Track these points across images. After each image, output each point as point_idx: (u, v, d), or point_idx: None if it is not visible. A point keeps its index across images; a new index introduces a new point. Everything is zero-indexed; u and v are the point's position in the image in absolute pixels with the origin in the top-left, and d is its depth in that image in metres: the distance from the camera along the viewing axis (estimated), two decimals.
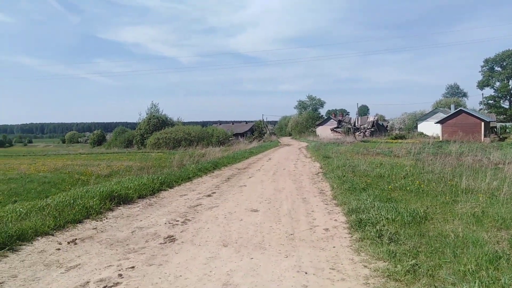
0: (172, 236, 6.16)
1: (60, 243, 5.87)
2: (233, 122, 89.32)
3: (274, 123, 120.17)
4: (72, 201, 7.81)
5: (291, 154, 27.38)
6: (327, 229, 6.38)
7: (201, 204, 8.77)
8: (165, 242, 5.82)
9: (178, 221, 7.21)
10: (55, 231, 6.43)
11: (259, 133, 62.85)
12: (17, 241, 5.68)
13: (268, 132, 73.35)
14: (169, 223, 7.03)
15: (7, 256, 5.22)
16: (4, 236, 5.54)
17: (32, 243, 5.82)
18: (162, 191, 10.66)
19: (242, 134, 69.88)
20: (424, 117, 62.36)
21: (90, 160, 35.11)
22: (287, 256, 5.09)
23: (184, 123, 64.90)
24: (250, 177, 13.70)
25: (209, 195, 9.98)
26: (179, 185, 11.94)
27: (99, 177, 21.84)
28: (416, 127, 63.11)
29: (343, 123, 60.36)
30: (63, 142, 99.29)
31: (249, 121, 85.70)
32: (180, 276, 4.39)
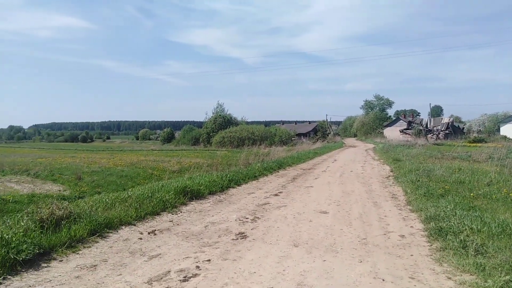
0: (243, 233, 6.30)
1: (141, 233, 6.31)
2: (296, 122, 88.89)
3: (338, 123, 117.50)
4: (150, 194, 8.35)
5: (357, 155, 26.52)
6: (403, 235, 6.07)
7: (269, 203, 8.86)
8: (237, 239, 5.96)
9: (247, 218, 7.35)
10: (136, 221, 6.92)
11: (322, 134, 61.77)
12: (105, 229, 6.21)
13: (332, 132, 71.88)
14: (239, 220, 7.20)
15: (98, 242, 5.74)
16: (95, 223, 6.09)
17: (117, 231, 6.33)
18: (231, 188, 10.96)
19: (305, 134, 69.28)
20: (508, 119, 56.56)
21: (161, 156, 37.32)
22: (361, 261, 4.93)
23: (247, 123, 66.22)
24: (316, 178, 13.53)
25: (276, 195, 10.04)
26: (246, 183, 12.18)
27: (170, 173, 23.12)
28: (498, 129, 57.47)
29: (413, 125, 57.01)
30: (137, 138, 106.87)
31: (312, 121, 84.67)
32: (254, 272, 4.47)
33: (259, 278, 4.29)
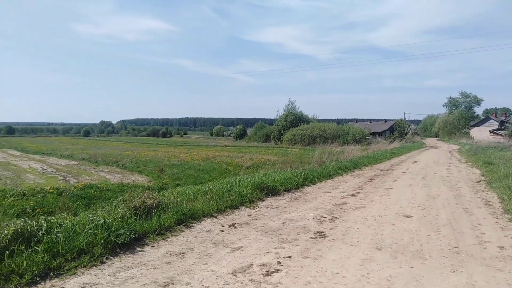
0: (322, 232, 6.21)
1: (222, 226, 6.56)
2: (370, 121, 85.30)
3: (417, 122, 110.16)
4: (229, 189, 8.64)
5: (440, 157, 24.59)
6: (503, 247, 5.47)
7: (346, 203, 8.62)
8: (316, 237, 5.89)
9: (325, 217, 7.23)
10: (217, 214, 7.21)
11: (400, 133, 58.32)
12: (190, 219, 6.57)
13: (410, 132, 67.61)
14: (317, 219, 7.11)
15: (184, 231, 6.09)
16: (181, 213, 6.47)
17: (200, 222, 6.65)
18: (305, 186, 10.88)
19: (380, 133, 66.10)
20: None
21: (234, 152, 38.48)
22: (454, 271, 4.54)
23: (319, 120, 65.07)
24: (395, 180, 12.83)
25: (353, 195, 9.73)
26: (320, 181, 12.00)
27: (243, 168, 23.69)
28: None
29: (507, 125, 51.12)
30: (211, 135, 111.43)
31: (388, 120, 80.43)
32: (337, 273, 4.37)
33: (342, 280, 4.19)
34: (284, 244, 5.54)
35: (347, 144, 42.96)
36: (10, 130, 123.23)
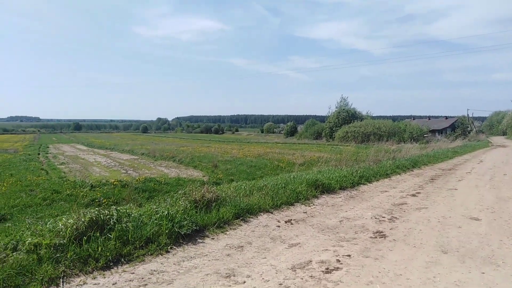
0: (381, 232, 6.02)
1: (279, 221, 6.60)
2: (429, 117, 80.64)
3: (481, 119, 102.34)
4: (284, 185, 8.67)
5: (510, 157, 22.65)
6: None
7: (406, 203, 8.27)
8: (375, 237, 5.73)
9: (384, 217, 7.00)
10: (273, 209, 7.28)
11: (462, 131, 54.56)
12: (247, 214, 6.70)
13: (474, 130, 63.00)
14: (375, 218, 6.91)
15: (241, 225, 6.23)
16: (238, 208, 6.62)
17: (257, 217, 6.76)
18: (361, 185, 10.60)
19: (440, 131, 62.34)
20: None
21: (284, 149, 38.45)
22: None
23: (373, 117, 62.85)
24: (459, 180, 12.05)
25: (413, 195, 9.31)
26: (377, 180, 11.62)
27: (295, 165, 23.59)
28: None
29: None
30: (262, 131, 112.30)
31: (449, 117, 75.53)
32: (401, 275, 4.22)
33: (407, 282, 4.03)
34: (342, 242, 5.46)
35: (404, 142, 41.05)
36: (77, 126, 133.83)
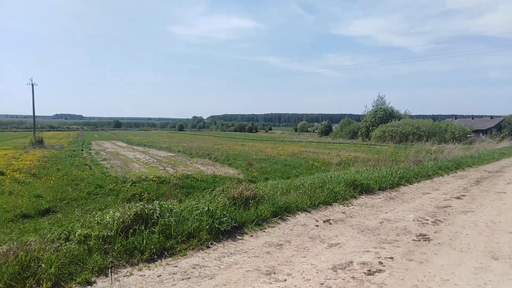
0: (425, 235, 5.81)
1: (317, 221, 6.54)
2: (472, 117, 76.74)
3: None
4: (321, 185, 8.57)
5: None
6: None
7: (450, 206, 7.93)
8: (419, 240, 5.54)
9: (427, 220, 6.75)
10: (310, 208, 7.22)
11: (510, 131, 51.53)
12: (285, 212, 6.69)
13: None
14: (418, 221, 6.68)
15: (279, 223, 6.23)
16: (276, 206, 6.63)
17: (295, 216, 6.73)
18: (401, 186, 10.28)
19: (485, 131, 59.17)
20: None
21: (319, 148, 38.02)
22: None
23: (411, 116, 60.75)
24: (508, 183, 11.39)
25: (458, 198, 8.91)
26: (418, 182, 11.23)
27: (330, 165, 23.28)
28: None
29: None
30: (295, 130, 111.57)
31: (495, 116, 71.45)
32: (448, 280, 4.06)
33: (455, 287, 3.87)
34: (383, 244, 5.32)
35: (445, 142, 39.35)
36: (117, 124, 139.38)
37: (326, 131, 75.62)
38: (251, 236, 5.55)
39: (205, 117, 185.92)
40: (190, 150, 32.48)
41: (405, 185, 10.44)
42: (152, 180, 15.70)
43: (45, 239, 4.42)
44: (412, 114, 64.18)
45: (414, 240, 5.56)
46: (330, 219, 6.65)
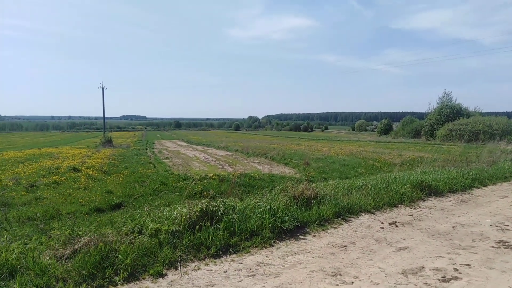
0: (506, 242, 5.31)
1: (382, 223, 6.28)
2: None
3: None
4: (385, 185, 8.22)
5: None
6: None
7: None
8: (499, 247, 5.08)
9: (507, 226, 6.17)
10: (374, 210, 6.95)
11: None
12: (347, 213, 6.51)
13: None
14: (496, 226, 6.13)
15: (342, 224, 6.07)
16: (338, 207, 6.47)
17: (358, 217, 6.52)
18: (474, 188, 9.51)
19: None
20: None
21: (379, 148, 36.55)
22: None
23: (482, 114, 56.06)
24: None
25: None
26: (493, 184, 10.32)
27: (392, 165, 22.27)
28: None
29: None
30: (353, 129, 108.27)
31: None
32: None
33: None
34: (458, 250, 4.95)
35: None
36: (177, 124, 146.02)
37: (386, 130, 72.46)
38: (313, 236, 5.48)
39: (260, 117, 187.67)
40: (247, 149, 32.96)
41: (478, 188, 9.65)
42: (212, 178, 16.16)
43: (120, 232, 4.73)
44: (483, 111, 59.19)
45: (493, 247, 5.11)
46: (396, 221, 6.35)
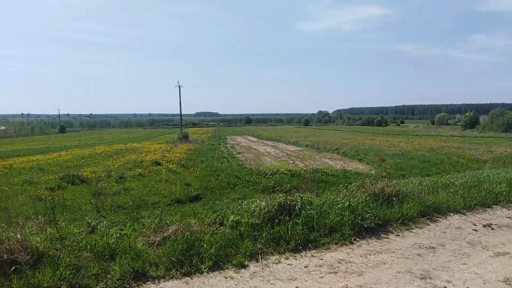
0: None
1: (474, 224, 5.73)
2: None
3: None
4: (476, 184, 7.51)
5: None
6: None
7: None
8: None
9: None
10: (464, 210, 6.36)
11: None
12: (434, 213, 6.05)
13: None
14: None
15: (428, 224, 5.67)
16: (424, 205, 6.05)
17: (446, 217, 6.03)
18: None
19: None
20: None
21: (464, 143, 33.54)
22: None
23: None
24: None
25: None
26: None
27: (480, 162, 20.34)
28: None
29: None
30: (432, 123, 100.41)
31: None
32: None
33: None
34: None
35: None
36: (248, 120, 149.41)
37: (472, 124, 66.28)
38: (396, 235, 5.19)
39: (330, 112, 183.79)
40: (317, 144, 32.51)
41: None
42: (284, 173, 16.25)
43: (204, 223, 4.95)
44: None
45: None
46: (492, 224, 5.75)
